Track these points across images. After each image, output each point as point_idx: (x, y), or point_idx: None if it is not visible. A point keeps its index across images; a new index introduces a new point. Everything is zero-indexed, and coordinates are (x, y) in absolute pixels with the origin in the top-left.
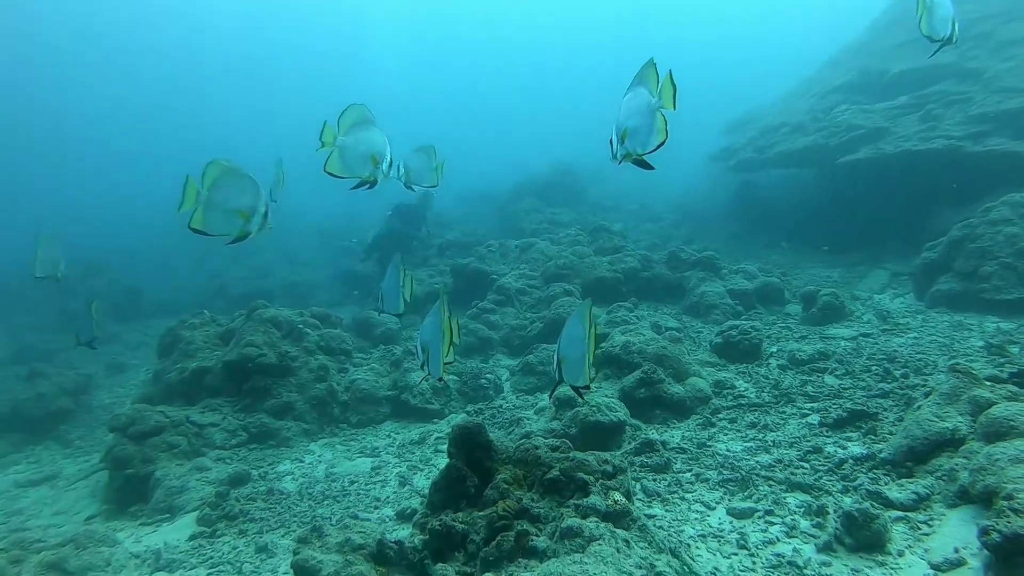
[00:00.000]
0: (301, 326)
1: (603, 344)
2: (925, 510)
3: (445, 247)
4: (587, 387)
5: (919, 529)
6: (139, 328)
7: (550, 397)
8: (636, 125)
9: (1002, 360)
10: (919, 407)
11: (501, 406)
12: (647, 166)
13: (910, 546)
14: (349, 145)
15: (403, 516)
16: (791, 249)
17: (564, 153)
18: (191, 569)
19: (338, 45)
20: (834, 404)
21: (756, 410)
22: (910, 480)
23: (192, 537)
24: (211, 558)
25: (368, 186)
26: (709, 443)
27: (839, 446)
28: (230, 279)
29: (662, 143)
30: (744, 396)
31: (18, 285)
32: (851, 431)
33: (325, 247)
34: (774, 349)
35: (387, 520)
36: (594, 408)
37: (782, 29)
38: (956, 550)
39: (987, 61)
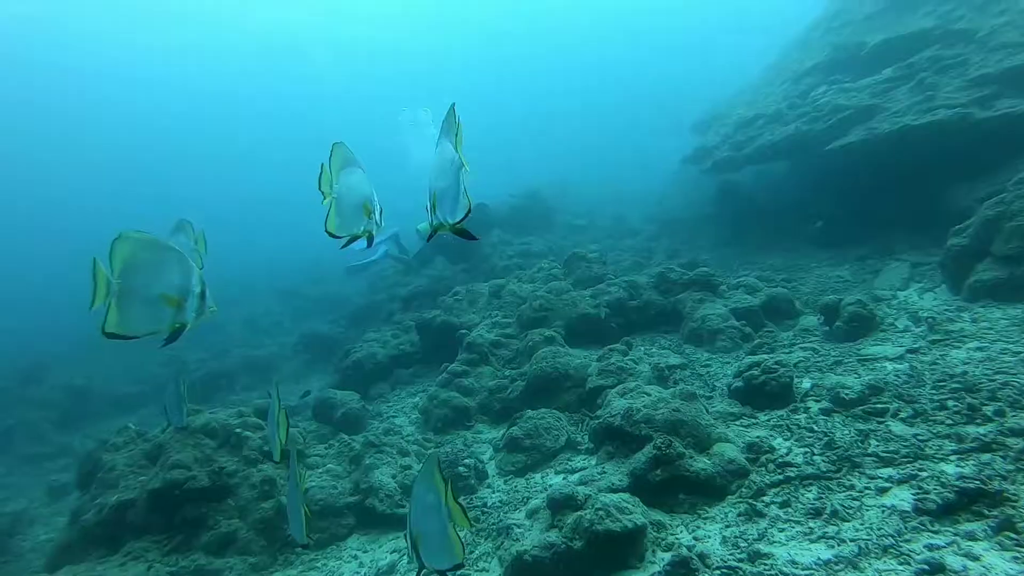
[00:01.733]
0: (240, 430)
1: (599, 416)
2: None
3: (411, 298)
4: (460, 565)
5: None
6: (91, 433)
7: None
8: (443, 188)
9: None
10: None
11: (486, 503)
12: (468, 236)
13: None
14: (342, 195)
15: None
16: (824, 228)
17: (527, 176)
18: None
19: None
20: (922, 471)
21: (812, 484)
22: None
23: None
24: None
25: (367, 242)
26: (763, 549)
27: (964, 554)
28: (189, 362)
29: (467, 214)
30: (791, 463)
31: None
32: (969, 521)
33: (287, 307)
34: (807, 385)
35: None
36: (601, 512)
37: (735, 15)
38: None
39: (976, 20)
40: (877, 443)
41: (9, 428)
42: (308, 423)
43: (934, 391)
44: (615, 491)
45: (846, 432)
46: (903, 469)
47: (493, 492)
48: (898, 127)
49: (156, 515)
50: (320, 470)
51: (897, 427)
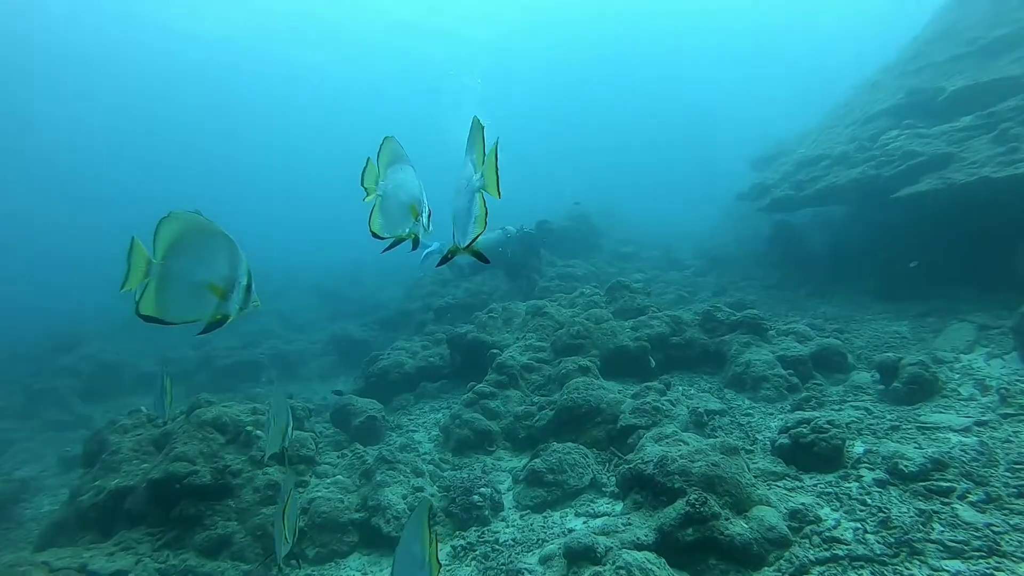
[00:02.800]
0: (251, 428)
1: (630, 460)
2: None
3: (445, 309)
4: None
5: None
6: (115, 409)
7: None
8: (458, 208)
9: None
10: None
11: (498, 539)
12: (481, 258)
13: None
14: (389, 193)
15: None
16: (919, 268)
17: (576, 194)
18: None
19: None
20: (999, 572)
21: (864, 568)
22: None
23: None
24: None
25: (412, 246)
26: None
27: None
28: (217, 349)
29: (478, 235)
30: (839, 540)
31: None
32: None
33: (325, 306)
34: (860, 449)
35: None
36: (622, 571)
37: (804, 59)
38: None
39: None
40: (942, 528)
41: (37, 393)
42: (326, 426)
43: (1010, 474)
44: (639, 547)
45: (905, 510)
46: (974, 565)
47: (507, 527)
48: (975, 179)
49: (153, 506)
50: (328, 480)
51: (966, 512)
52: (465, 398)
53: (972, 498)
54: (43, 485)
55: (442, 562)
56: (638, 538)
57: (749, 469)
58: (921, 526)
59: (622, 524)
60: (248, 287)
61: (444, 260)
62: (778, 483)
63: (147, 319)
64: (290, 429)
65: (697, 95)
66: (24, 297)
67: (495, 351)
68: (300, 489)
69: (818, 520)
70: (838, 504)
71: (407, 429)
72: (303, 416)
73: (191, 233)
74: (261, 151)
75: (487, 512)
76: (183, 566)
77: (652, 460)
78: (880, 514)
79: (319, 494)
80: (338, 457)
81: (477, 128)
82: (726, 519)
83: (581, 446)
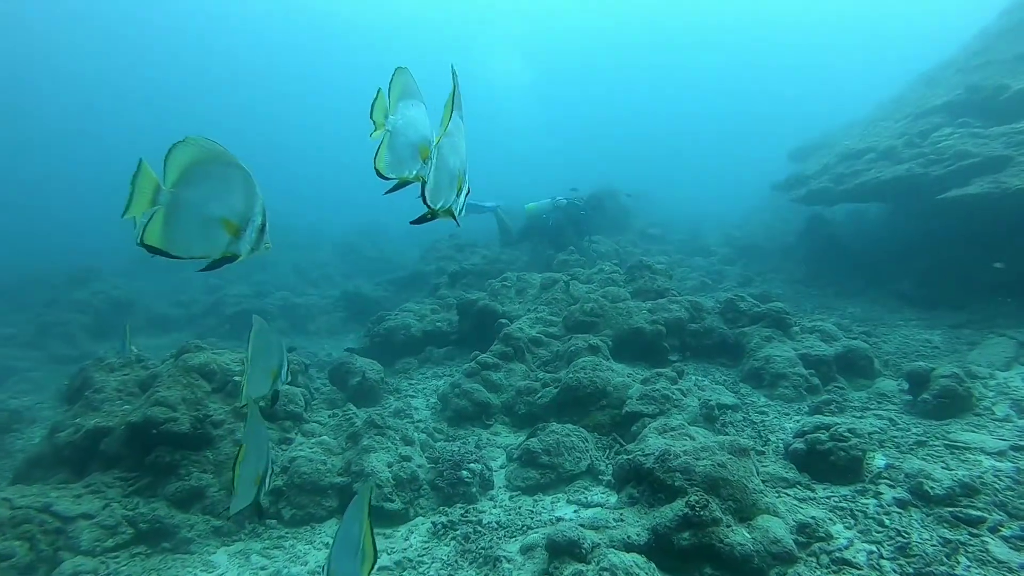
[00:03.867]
0: (239, 378)
1: (629, 451)
2: None
3: (460, 275)
4: None
5: None
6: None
7: None
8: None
9: None
10: None
11: (482, 519)
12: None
13: None
14: (399, 129)
15: None
16: (1005, 269)
17: (612, 171)
18: None
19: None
20: None
21: None
22: None
23: None
24: None
25: (421, 190)
26: None
27: None
28: (228, 295)
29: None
30: (851, 563)
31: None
32: None
33: (342, 262)
34: (881, 463)
35: None
36: (606, 572)
37: (852, 50)
38: None
39: None
40: (969, 563)
41: (46, 325)
42: (324, 382)
43: None
44: (629, 548)
45: (927, 537)
46: None
47: (494, 507)
48: None
49: (129, 450)
50: (313, 440)
51: (998, 548)
52: (467, 367)
53: (1005, 532)
54: (38, 416)
55: (422, 539)
56: (629, 537)
57: (758, 473)
58: (945, 558)
59: (614, 519)
60: (262, 227)
61: (420, 220)
62: (788, 491)
63: (151, 250)
64: (284, 372)
65: (739, 84)
66: (47, 228)
67: (503, 321)
68: (283, 446)
69: (828, 537)
70: (852, 522)
71: (406, 394)
72: (298, 370)
73: (208, 161)
74: (292, 107)
75: (475, 490)
76: (151, 515)
77: (653, 453)
78: (899, 538)
79: (302, 453)
80: (329, 416)
81: (454, 80)
82: (727, 526)
83: (582, 429)
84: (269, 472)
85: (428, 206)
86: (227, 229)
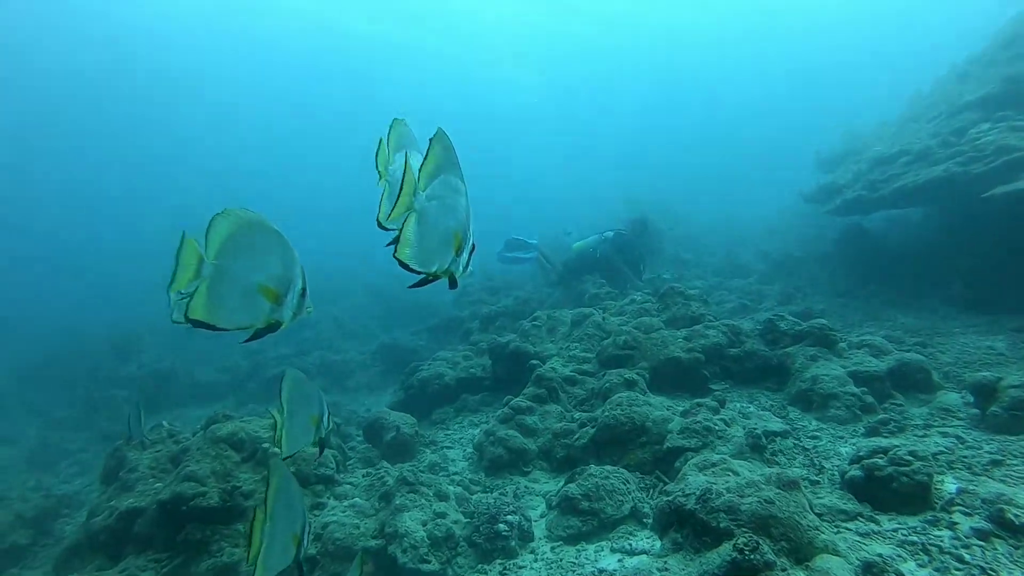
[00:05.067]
0: (268, 445)
1: (668, 492)
2: None
3: (492, 318)
4: None
5: None
6: (170, 421)
7: None
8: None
9: None
10: None
11: None
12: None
13: None
14: (398, 180)
15: None
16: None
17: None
18: None
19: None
20: None
21: None
22: None
23: None
24: None
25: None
26: None
27: None
28: (268, 358)
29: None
30: None
31: (51, 355)
32: None
33: (377, 308)
34: (952, 488)
35: None
36: None
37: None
38: None
39: None
40: None
41: (96, 402)
42: (360, 441)
43: None
44: None
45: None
46: None
47: (535, 560)
48: None
49: (161, 529)
50: (346, 503)
51: None
52: (500, 413)
53: None
54: (86, 499)
55: None
56: None
57: (812, 507)
58: None
59: (657, 569)
60: (303, 291)
61: (420, 284)
62: (848, 525)
63: (196, 324)
64: (327, 418)
65: (762, 93)
66: (91, 293)
67: (535, 362)
68: (315, 512)
69: None
70: (926, 558)
71: (442, 445)
72: (331, 430)
73: (245, 231)
74: (322, 149)
75: (514, 543)
76: None
77: (694, 493)
78: None
79: (334, 518)
80: (363, 476)
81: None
82: (783, 569)
83: (622, 469)
84: (307, 530)
85: (409, 269)
86: (267, 297)
